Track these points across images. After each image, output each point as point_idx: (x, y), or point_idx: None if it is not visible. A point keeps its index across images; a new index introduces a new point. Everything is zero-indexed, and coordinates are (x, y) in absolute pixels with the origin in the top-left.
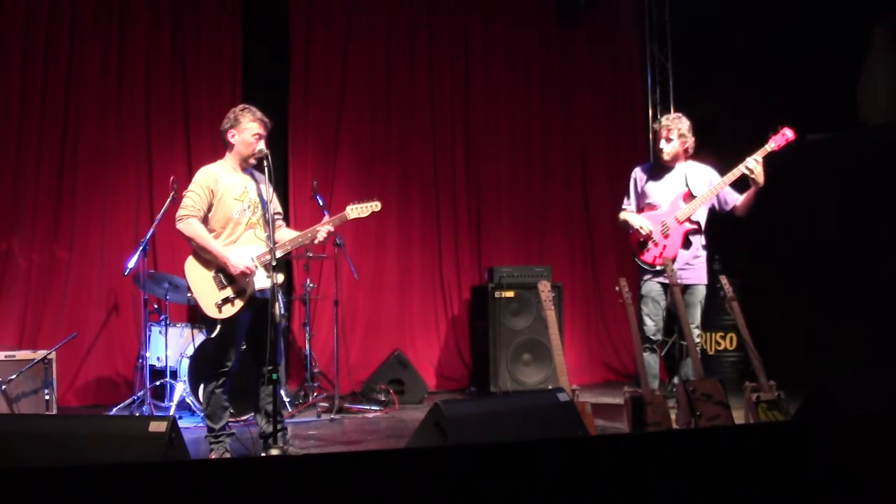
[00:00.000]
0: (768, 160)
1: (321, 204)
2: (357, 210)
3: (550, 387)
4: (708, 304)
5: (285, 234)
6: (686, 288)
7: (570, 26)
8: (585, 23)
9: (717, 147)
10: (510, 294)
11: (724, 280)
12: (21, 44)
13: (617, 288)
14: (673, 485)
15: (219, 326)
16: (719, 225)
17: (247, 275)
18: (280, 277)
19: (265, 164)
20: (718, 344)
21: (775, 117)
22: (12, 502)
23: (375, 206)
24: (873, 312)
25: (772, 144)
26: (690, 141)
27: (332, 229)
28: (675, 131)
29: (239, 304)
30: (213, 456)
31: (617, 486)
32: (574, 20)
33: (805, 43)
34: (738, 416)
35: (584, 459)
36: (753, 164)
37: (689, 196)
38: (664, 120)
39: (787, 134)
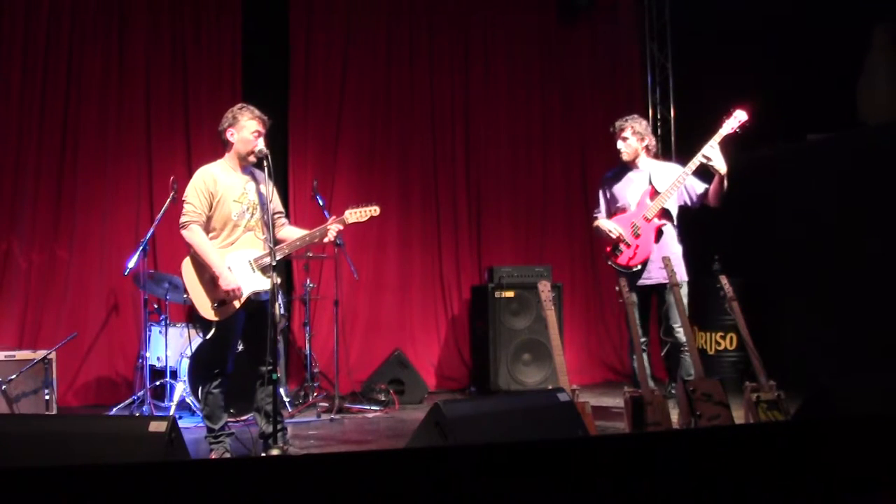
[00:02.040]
0: (768, 160)
1: (321, 204)
2: (356, 214)
3: (550, 387)
4: (708, 304)
5: (291, 232)
6: (664, 287)
7: (570, 26)
8: (585, 23)
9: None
10: (510, 294)
11: (724, 280)
12: (21, 44)
13: (617, 288)
14: (673, 485)
15: (214, 328)
16: (719, 225)
17: (234, 296)
18: (277, 280)
19: (265, 163)
20: (718, 344)
21: (775, 117)
22: (12, 502)
23: (374, 210)
24: (873, 312)
25: (726, 128)
26: (650, 140)
27: (341, 227)
28: (629, 129)
29: (235, 306)
30: (213, 456)
31: (617, 486)
32: (574, 20)
33: (805, 43)
34: (738, 416)
35: (584, 459)
36: (710, 151)
37: (655, 193)
38: (617, 122)
39: (740, 115)
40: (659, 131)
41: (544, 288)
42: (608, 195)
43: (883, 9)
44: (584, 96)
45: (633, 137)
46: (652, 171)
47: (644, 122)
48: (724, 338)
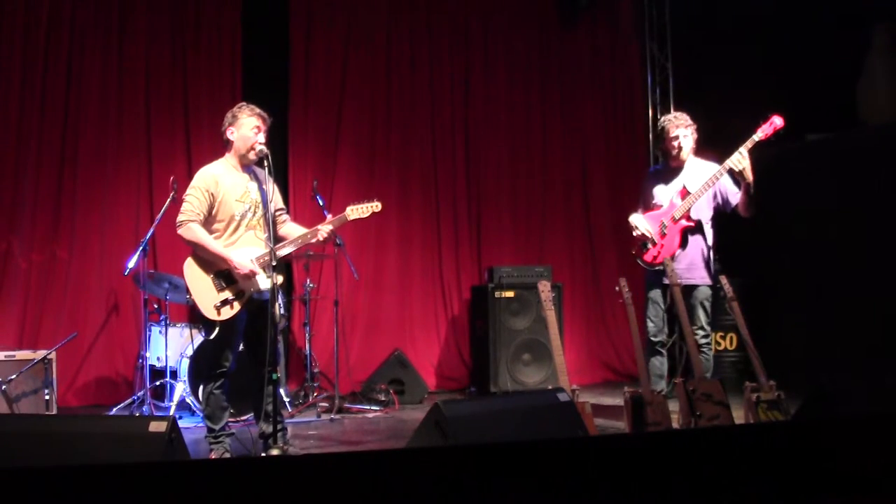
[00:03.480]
0: (767, 160)
1: (321, 204)
2: (357, 211)
3: (550, 387)
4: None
5: (293, 230)
6: (686, 289)
7: (570, 26)
8: (585, 23)
9: (717, 147)
10: (510, 294)
11: (724, 280)
12: (21, 44)
13: (617, 288)
14: (673, 485)
15: (217, 328)
16: (719, 224)
17: (250, 277)
18: (279, 279)
19: (265, 163)
20: (718, 344)
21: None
22: (12, 502)
23: (376, 206)
24: (873, 312)
25: (759, 134)
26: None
27: (332, 229)
28: (692, 127)
29: (237, 306)
30: (213, 456)
31: (617, 486)
32: (574, 20)
33: (805, 42)
34: (738, 416)
35: (584, 459)
36: (738, 159)
37: (686, 193)
38: (675, 120)
39: (776, 122)
40: None
41: (544, 288)
42: (648, 190)
43: (883, 9)
44: (584, 96)
45: (693, 136)
46: (689, 170)
47: (687, 120)
48: (724, 338)
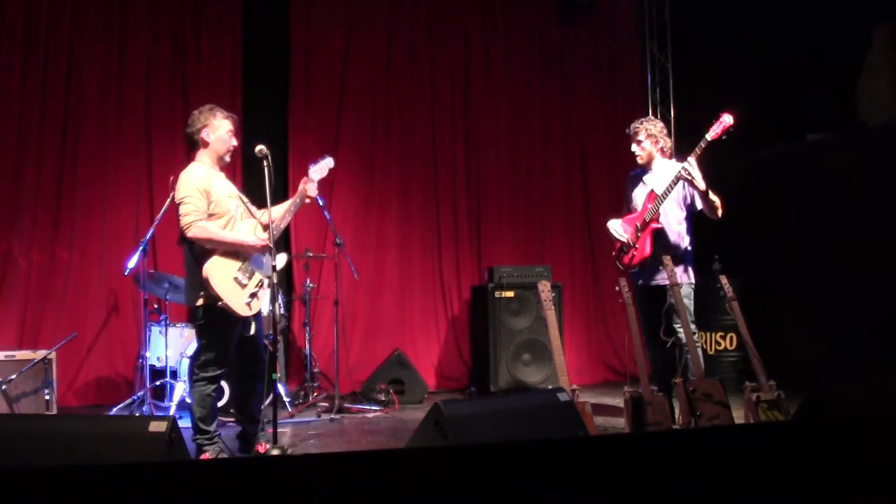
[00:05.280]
0: (767, 160)
1: (321, 204)
2: (317, 171)
3: (550, 387)
4: (708, 304)
5: (273, 210)
6: (664, 289)
7: (570, 26)
8: (585, 22)
9: (716, 147)
10: (510, 294)
11: (724, 280)
12: (21, 44)
13: (617, 288)
14: (673, 485)
15: (252, 323)
16: (719, 225)
17: (264, 251)
18: (284, 257)
19: (265, 164)
20: (718, 344)
21: (775, 117)
22: (12, 502)
23: (329, 162)
24: (873, 312)
25: (710, 135)
26: (665, 142)
27: (314, 183)
28: (643, 132)
29: (261, 295)
30: (209, 456)
31: (617, 486)
32: (574, 20)
33: (805, 42)
34: (738, 416)
35: (584, 459)
36: (687, 168)
37: (654, 196)
38: (632, 124)
39: (725, 120)
40: None
41: (544, 288)
42: (628, 193)
43: (883, 9)
44: (584, 96)
45: (648, 140)
46: (658, 173)
47: (659, 125)
48: (724, 338)
